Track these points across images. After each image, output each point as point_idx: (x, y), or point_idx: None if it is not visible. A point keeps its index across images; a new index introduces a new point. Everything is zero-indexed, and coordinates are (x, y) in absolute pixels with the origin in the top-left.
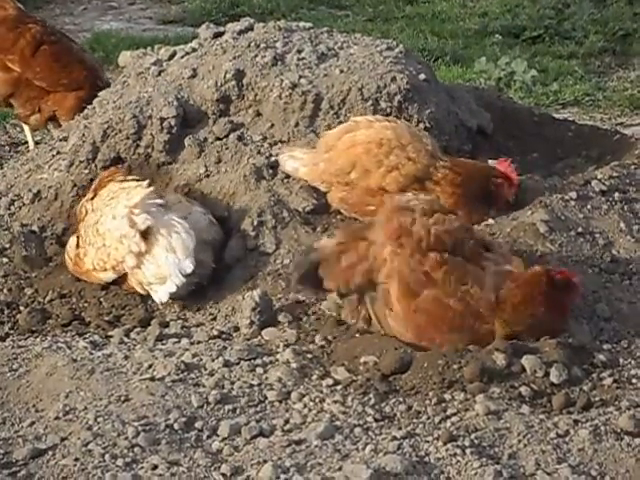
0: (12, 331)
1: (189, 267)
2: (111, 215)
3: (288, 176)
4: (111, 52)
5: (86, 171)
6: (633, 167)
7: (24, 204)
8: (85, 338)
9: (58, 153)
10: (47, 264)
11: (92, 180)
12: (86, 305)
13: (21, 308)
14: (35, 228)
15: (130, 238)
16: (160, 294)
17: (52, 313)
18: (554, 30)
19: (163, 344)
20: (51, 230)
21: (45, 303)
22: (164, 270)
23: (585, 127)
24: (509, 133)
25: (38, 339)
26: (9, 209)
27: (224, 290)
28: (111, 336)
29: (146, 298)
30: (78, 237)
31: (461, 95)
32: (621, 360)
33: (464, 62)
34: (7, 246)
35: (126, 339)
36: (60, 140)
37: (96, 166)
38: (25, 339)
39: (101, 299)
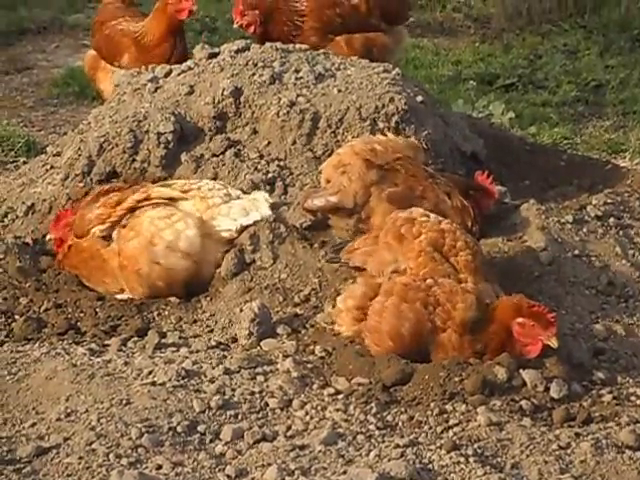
0: (7, 339)
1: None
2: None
3: (285, 192)
4: (86, 87)
5: (81, 184)
6: (627, 195)
7: (17, 217)
8: (83, 346)
9: (52, 167)
10: (41, 275)
11: (87, 194)
12: (82, 315)
13: (16, 317)
14: (29, 240)
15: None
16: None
17: (47, 322)
18: (527, 79)
19: (162, 352)
20: (45, 242)
21: (40, 312)
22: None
23: (577, 156)
24: (501, 160)
25: (36, 345)
26: (2, 222)
27: (220, 303)
28: (108, 345)
29: (142, 308)
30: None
31: (455, 120)
32: (619, 378)
33: (440, 105)
34: (1, 257)
35: (124, 348)
36: (53, 155)
37: (91, 180)
38: (22, 345)
39: (97, 309)
